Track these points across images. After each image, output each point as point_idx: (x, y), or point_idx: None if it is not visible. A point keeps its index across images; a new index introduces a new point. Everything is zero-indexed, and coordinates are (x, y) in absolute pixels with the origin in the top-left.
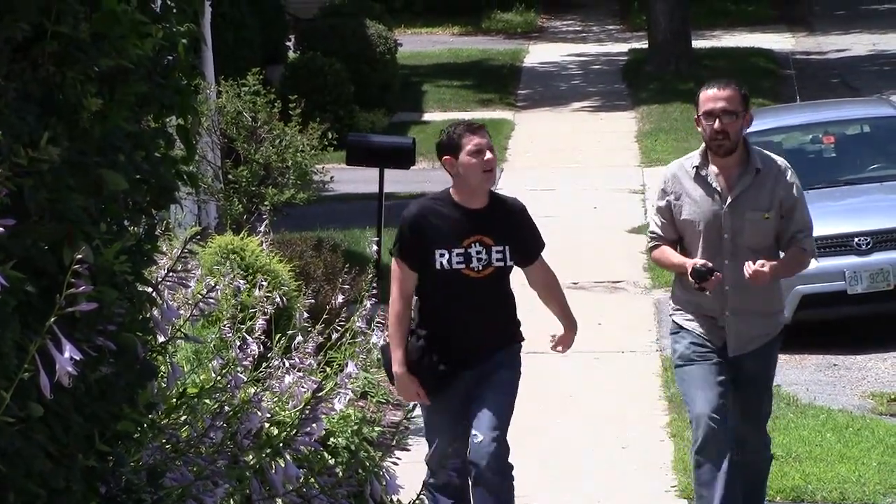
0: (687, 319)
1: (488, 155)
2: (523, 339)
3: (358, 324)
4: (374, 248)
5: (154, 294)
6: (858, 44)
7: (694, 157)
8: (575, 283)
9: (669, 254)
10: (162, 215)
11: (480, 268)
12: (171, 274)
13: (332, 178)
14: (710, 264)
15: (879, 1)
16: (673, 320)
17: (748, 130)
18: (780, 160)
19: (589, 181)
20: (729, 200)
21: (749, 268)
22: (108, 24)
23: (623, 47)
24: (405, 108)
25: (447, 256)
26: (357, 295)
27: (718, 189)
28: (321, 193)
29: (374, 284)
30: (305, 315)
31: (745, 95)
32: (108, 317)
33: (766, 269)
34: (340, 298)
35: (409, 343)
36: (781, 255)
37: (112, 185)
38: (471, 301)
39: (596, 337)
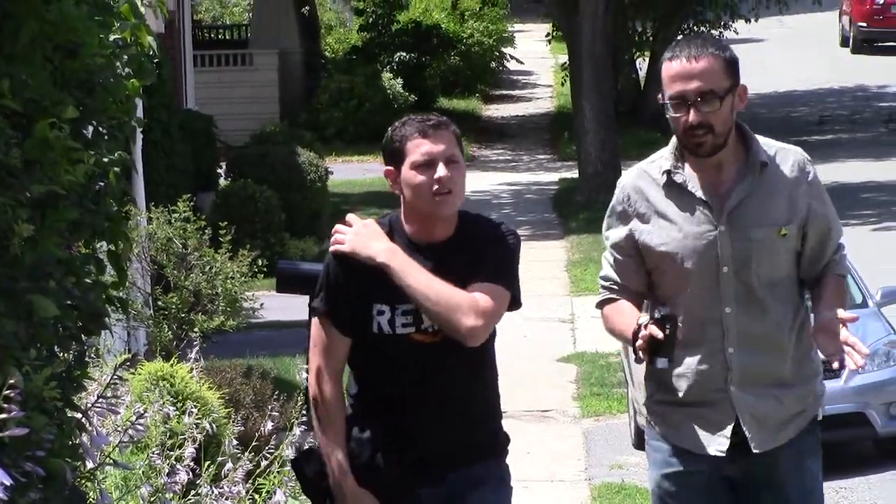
0: (665, 420)
1: (441, 171)
2: (509, 444)
3: (287, 451)
4: (304, 375)
5: (83, 420)
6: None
7: (662, 158)
8: (504, 412)
9: (620, 311)
10: (92, 341)
11: (434, 328)
12: (100, 400)
13: (262, 305)
14: (672, 313)
15: (809, 132)
16: (646, 419)
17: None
18: (795, 148)
19: (519, 310)
20: (725, 214)
21: (851, 353)
22: (41, 151)
23: (553, 176)
24: None
25: (388, 315)
26: (286, 422)
27: (706, 199)
28: (251, 320)
29: (304, 412)
30: (235, 442)
31: (730, 60)
32: (37, 442)
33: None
34: (270, 426)
35: (351, 439)
36: (798, 287)
37: (42, 312)
38: (430, 381)
39: (525, 466)
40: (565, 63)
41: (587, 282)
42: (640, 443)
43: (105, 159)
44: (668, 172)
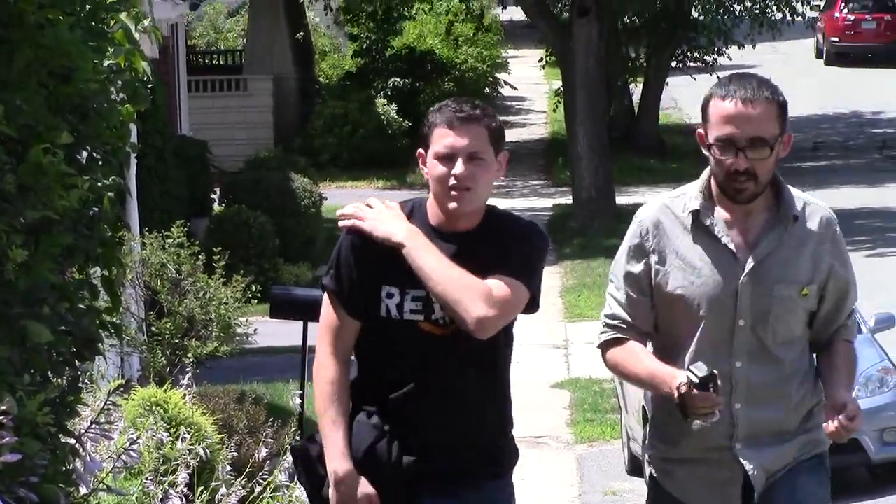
0: (672, 477)
1: (459, 167)
2: (517, 460)
3: (280, 477)
4: (298, 401)
5: (77, 446)
6: None
7: (689, 196)
8: None
9: (638, 356)
10: (85, 367)
11: (445, 320)
12: (94, 426)
13: (255, 330)
14: (710, 369)
15: (804, 159)
16: (650, 473)
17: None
18: (823, 205)
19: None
20: (749, 266)
21: (838, 423)
22: (35, 176)
23: (547, 202)
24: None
25: (397, 299)
26: (280, 448)
27: (732, 247)
28: (244, 346)
29: (298, 438)
30: (228, 468)
31: (783, 105)
32: (30, 468)
33: (854, 415)
34: (263, 452)
35: (354, 424)
36: (807, 342)
37: (36, 337)
38: (432, 369)
39: (518, 492)
40: (559, 89)
41: (581, 308)
42: (633, 469)
43: (99, 185)
44: (696, 213)
